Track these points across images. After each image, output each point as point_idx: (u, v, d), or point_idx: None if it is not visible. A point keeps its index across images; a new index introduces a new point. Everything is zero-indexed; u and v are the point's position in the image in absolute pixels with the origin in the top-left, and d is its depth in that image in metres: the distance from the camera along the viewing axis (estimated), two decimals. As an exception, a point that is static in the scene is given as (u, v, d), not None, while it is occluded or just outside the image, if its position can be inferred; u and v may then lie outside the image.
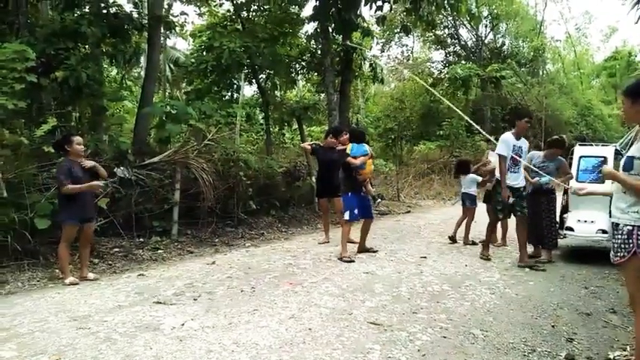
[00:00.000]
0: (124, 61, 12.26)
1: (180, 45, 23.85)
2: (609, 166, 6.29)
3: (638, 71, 22.80)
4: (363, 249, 6.93)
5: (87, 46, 8.78)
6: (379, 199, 7.32)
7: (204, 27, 13.80)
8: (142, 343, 3.45)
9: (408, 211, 12.78)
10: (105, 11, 9.01)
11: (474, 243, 7.71)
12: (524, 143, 6.34)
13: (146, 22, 10.09)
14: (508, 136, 6.26)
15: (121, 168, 7.39)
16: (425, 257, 6.66)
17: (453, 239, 7.94)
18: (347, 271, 5.77)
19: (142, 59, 16.70)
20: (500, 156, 6.15)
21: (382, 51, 25.22)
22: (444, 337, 3.67)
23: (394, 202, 14.54)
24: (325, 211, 8.10)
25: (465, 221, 8.03)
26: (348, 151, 6.62)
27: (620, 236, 2.88)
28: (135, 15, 9.96)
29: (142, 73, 16.20)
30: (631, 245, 2.81)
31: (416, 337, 3.64)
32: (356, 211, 6.46)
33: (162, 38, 13.72)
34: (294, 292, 4.84)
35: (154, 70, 10.73)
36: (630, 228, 2.83)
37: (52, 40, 8.09)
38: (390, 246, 7.52)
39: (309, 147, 8.14)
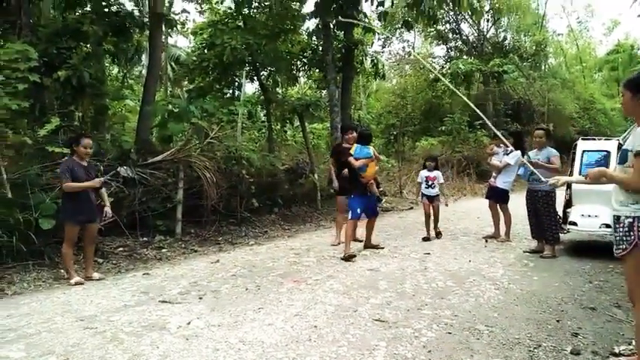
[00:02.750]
0: (126, 59, 12.27)
1: (181, 43, 23.88)
2: (612, 162, 6.31)
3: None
4: (368, 245, 6.96)
5: (89, 45, 8.78)
6: (383, 198, 7.09)
7: (205, 24, 13.77)
8: (148, 343, 3.47)
9: (411, 208, 12.74)
10: (106, 10, 9.02)
11: (438, 234, 7.84)
12: None
13: (147, 20, 10.10)
14: None
15: (124, 167, 7.40)
16: (428, 253, 6.67)
17: (427, 239, 7.74)
18: (351, 268, 5.78)
19: (144, 57, 16.74)
20: None
21: (383, 47, 25.15)
22: (449, 333, 3.68)
23: (397, 198, 14.52)
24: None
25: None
26: (352, 151, 6.58)
27: (621, 229, 2.89)
28: (136, 13, 9.97)
29: (144, 72, 16.22)
30: (632, 237, 2.83)
31: (421, 334, 3.65)
32: (358, 211, 6.47)
33: (163, 36, 13.72)
34: (299, 289, 4.86)
35: (156, 68, 10.73)
36: (631, 220, 2.84)
37: (54, 39, 8.11)
38: (394, 242, 7.53)
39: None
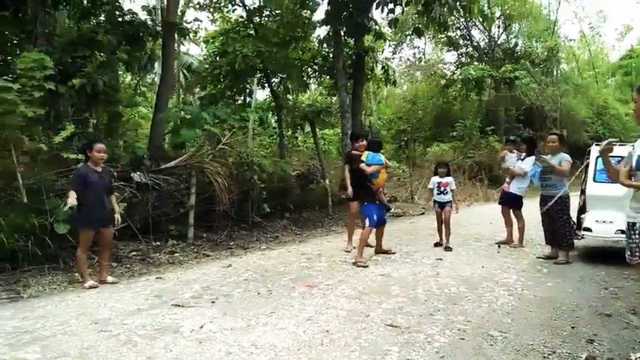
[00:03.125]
0: (139, 67, 12.42)
1: (193, 51, 24.12)
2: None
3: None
4: (379, 251, 6.96)
5: (103, 54, 8.91)
6: (392, 206, 7.13)
7: (217, 33, 13.93)
8: (162, 345, 3.49)
9: (422, 213, 12.70)
10: (120, 19, 9.16)
11: (447, 248, 7.36)
12: None
13: (160, 29, 10.23)
14: None
15: (138, 173, 7.49)
16: (441, 259, 6.63)
17: (439, 244, 7.58)
18: (362, 274, 5.77)
19: (157, 65, 16.93)
20: None
21: (394, 53, 25.23)
22: (462, 339, 3.65)
23: (408, 203, 14.49)
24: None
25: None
26: (363, 158, 6.65)
27: (638, 236, 2.83)
28: (149, 22, 10.10)
29: (156, 80, 16.40)
30: None
31: (434, 339, 3.63)
32: (375, 217, 6.49)
33: (175, 45, 13.89)
34: (311, 294, 4.86)
35: (169, 76, 10.85)
36: None
37: (69, 48, 8.26)
38: (405, 248, 7.49)
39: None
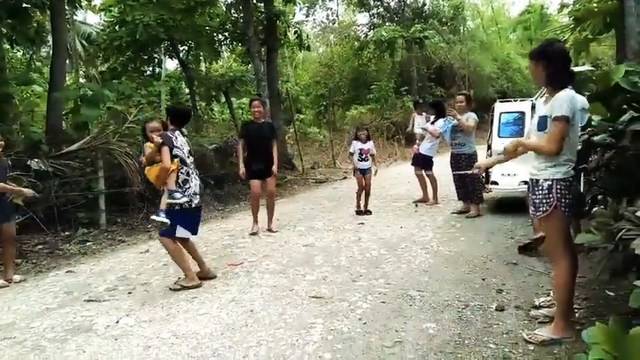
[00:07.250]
0: (30, 42, 11.21)
1: (91, 19, 22.22)
2: (527, 121, 6.67)
3: (550, 27, 23.93)
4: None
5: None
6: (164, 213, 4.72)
7: (113, 0, 12.86)
8: (73, 347, 3.26)
9: (345, 177, 12.89)
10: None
11: (367, 212, 7.56)
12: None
13: (47, -1, 9.24)
14: None
15: (35, 160, 6.85)
16: (362, 223, 6.77)
17: (361, 212, 7.54)
18: (287, 246, 5.76)
19: (50, 38, 15.45)
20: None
21: (307, 15, 24.89)
22: (384, 302, 3.76)
23: (330, 168, 14.65)
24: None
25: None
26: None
27: (540, 192, 3.00)
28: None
29: (52, 53, 14.98)
30: (552, 199, 2.95)
31: (356, 306, 3.71)
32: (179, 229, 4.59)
33: (68, 15, 12.69)
34: (234, 273, 4.77)
35: (62, 51, 9.87)
36: (550, 183, 2.96)
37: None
38: (328, 215, 7.58)
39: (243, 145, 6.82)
